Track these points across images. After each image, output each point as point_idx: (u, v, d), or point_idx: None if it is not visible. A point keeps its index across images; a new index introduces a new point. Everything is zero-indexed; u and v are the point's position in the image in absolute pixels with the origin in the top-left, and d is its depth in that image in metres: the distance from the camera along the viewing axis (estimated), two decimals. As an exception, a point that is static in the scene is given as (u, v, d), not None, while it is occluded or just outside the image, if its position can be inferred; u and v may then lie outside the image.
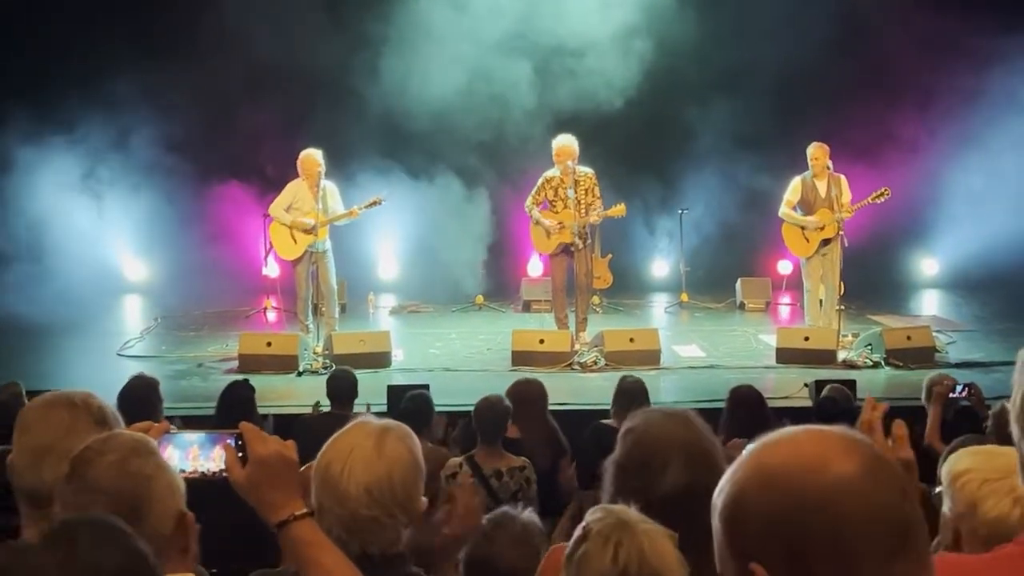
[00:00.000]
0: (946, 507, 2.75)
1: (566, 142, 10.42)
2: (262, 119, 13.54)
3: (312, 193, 10.26)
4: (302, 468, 3.04)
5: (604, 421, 6.39)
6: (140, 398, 5.94)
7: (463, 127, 13.51)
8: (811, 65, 13.59)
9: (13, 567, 1.61)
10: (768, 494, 1.44)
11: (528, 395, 6.34)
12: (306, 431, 6.39)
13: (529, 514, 3.47)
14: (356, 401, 7.14)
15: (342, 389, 6.99)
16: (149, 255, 14.20)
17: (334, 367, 9.39)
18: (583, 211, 10.33)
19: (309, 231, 10.24)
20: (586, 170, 10.48)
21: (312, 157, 10.30)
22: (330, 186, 10.48)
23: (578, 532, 2.20)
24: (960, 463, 2.75)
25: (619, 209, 10.56)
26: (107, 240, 13.84)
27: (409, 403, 6.38)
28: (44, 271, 12.61)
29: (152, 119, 13.48)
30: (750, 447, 1.52)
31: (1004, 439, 4.71)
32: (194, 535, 2.21)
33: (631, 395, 6.41)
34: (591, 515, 2.22)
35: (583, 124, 12.30)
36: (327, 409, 6.98)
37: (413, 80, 13.33)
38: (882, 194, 10.32)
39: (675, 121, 14.29)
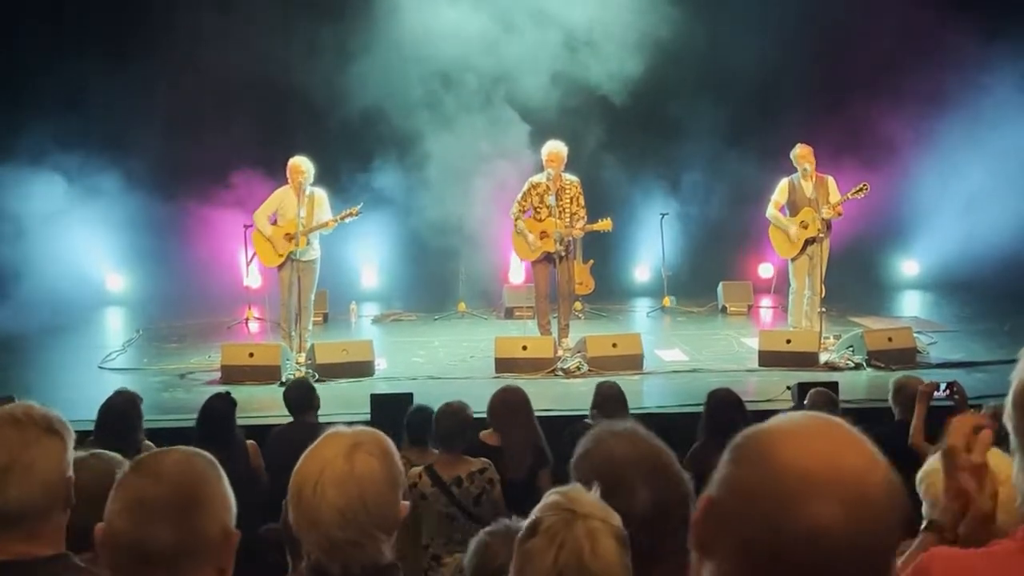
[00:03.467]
0: (923, 508, 2.78)
1: (556, 147, 10.41)
2: (242, 129, 13.51)
3: (297, 200, 10.22)
4: None
5: (586, 420, 6.38)
6: (121, 413, 5.95)
7: (445, 130, 13.46)
8: (792, 67, 13.65)
9: None
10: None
11: (511, 403, 6.31)
12: (278, 442, 6.41)
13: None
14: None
15: (298, 399, 6.92)
16: (130, 267, 14.14)
17: (317, 376, 9.40)
18: (566, 219, 10.33)
19: (288, 242, 10.21)
20: (572, 178, 10.49)
21: (297, 164, 10.25)
22: (319, 193, 10.41)
23: (531, 519, 2.18)
24: (930, 464, 2.78)
25: (605, 224, 10.57)
26: (88, 252, 13.76)
27: (413, 417, 6.23)
28: (25, 284, 12.54)
29: (132, 130, 13.44)
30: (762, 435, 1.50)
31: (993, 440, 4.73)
32: (232, 556, 2.20)
33: (609, 399, 6.41)
34: (545, 503, 2.20)
35: (565, 128, 12.33)
36: None
37: (392, 85, 13.35)
38: (861, 189, 10.34)
39: (658, 124, 14.31)
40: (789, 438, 1.47)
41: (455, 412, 5.81)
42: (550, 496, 2.20)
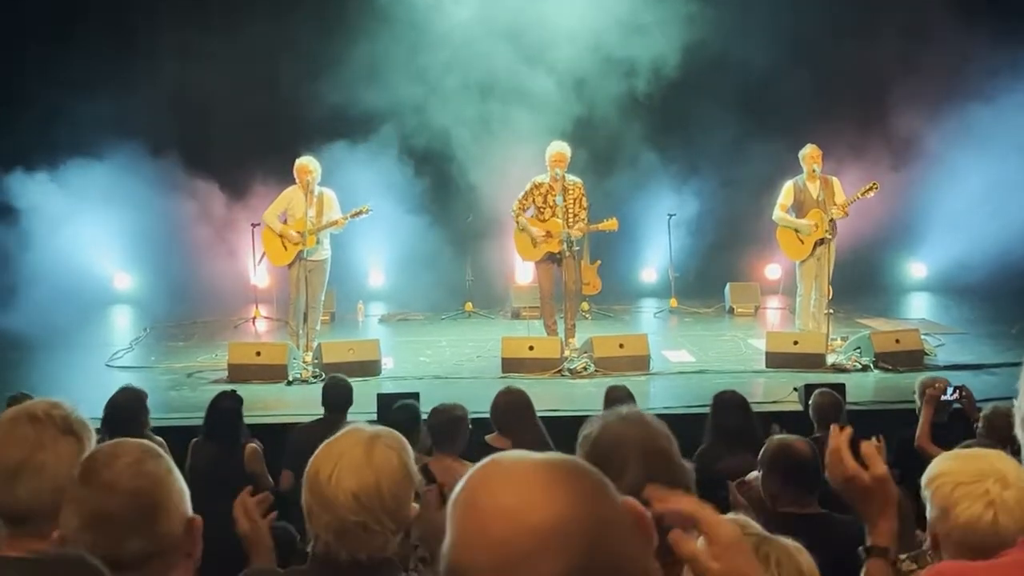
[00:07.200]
0: (927, 512, 2.76)
1: (561, 148, 10.36)
2: (250, 127, 13.52)
3: (306, 200, 10.21)
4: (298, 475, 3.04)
5: None
6: (127, 410, 5.97)
7: (449, 132, 13.46)
8: (800, 69, 13.62)
9: None
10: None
11: (516, 404, 6.29)
12: (301, 438, 6.40)
13: None
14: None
15: (338, 398, 6.95)
16: (137, 265, 14.16)
17: (323, 376, 9.38)
18: (570, 220, 10.31)
19: (297, 242, 10.21)
20: (575, 179, 10.44)
21: (305, 164, 10.23)
22: (328, 193, 10.38)
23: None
24: (937, 467, 2.75)
25: (610, 223, 10.53)
26: (95, 251, 13.78)
27: (397, 414, 6.33)
28: (33, 282, 12.55)
29: (139, 128, 13.43)
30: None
31: (995, 441, 4.74)
32: (199, 541, 2.23)
33: (618, 403, 6.36)
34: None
35: (569, 131, 12.32)
36: None
37: (400, 86, 13.36)
38: (871, 188, 10.30)
39: (665, 124, 14.29)
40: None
41: (448, 412, 5.78)
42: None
